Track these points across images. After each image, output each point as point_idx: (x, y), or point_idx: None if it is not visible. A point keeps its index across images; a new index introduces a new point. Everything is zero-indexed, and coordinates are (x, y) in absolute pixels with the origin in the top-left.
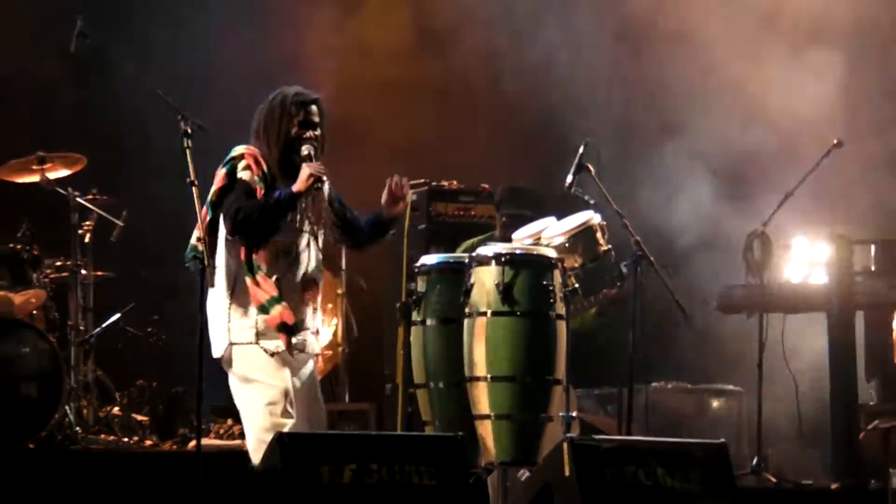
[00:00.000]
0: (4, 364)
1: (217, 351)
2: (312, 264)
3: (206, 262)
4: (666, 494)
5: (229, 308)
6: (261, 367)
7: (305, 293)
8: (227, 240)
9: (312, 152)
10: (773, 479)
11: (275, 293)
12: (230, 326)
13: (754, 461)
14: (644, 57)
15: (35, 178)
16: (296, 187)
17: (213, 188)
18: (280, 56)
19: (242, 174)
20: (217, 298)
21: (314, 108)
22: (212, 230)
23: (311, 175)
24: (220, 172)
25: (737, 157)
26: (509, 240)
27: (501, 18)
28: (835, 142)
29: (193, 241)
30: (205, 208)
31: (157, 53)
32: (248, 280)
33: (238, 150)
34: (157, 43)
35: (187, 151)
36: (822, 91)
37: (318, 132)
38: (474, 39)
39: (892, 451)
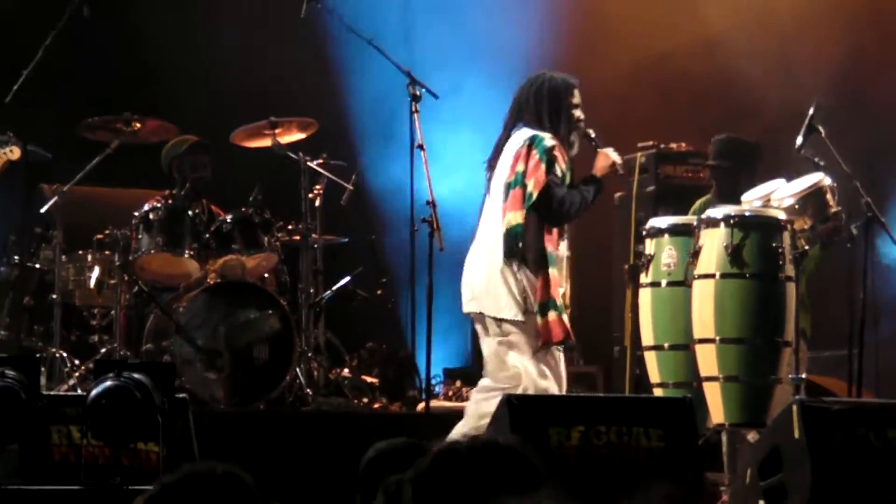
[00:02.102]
0: (237, 327)
1: (501, 312)
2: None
3: (434, 226)
4: None
5: (525, 282)
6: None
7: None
8: (534, 221)
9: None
10: None
11: (559, 299)
12: (525, 298)
13: None
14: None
15: (267, 143)
16: (599, 174)
17: (533, 178)
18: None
19: (559, 166)
20: (511, 266)
21: (577, 91)
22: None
23: (613, 163)
24: (534, 161)
25: None
26: (729, 194)
27: None
28: None
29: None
30: (517, 189)
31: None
32: (550, 270)
33: (546, 139)
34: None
35: (415, 115)
36: None
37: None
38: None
39: None
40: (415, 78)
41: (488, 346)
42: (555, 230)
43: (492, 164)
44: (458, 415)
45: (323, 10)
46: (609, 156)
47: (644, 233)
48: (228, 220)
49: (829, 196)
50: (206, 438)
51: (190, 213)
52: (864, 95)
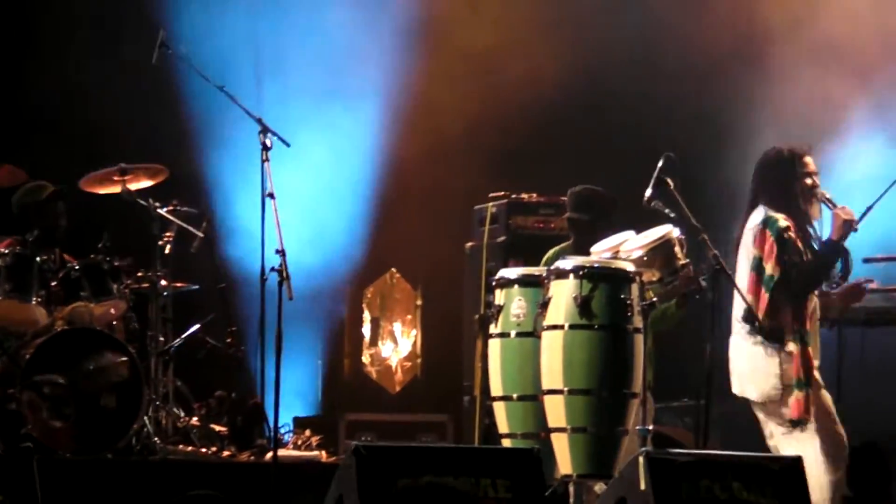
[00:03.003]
0: (85, 374)
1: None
2: None
3: (283, 275)
4: None
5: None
6: None
7: None
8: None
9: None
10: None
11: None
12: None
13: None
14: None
15: (116, 189)
16: (836, 237)
17: (770, 262)
18: None
19: (795, 246)
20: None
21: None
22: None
23: (849, 221)
24: (769, 244)
25: None
26: (585, 245)
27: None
28: None
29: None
30: (751, 272)
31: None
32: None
33: (779, 220)
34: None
35: (266, 164)
36: None
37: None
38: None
39: None
40: (266, 126)
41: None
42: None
43: (737, 244)
44: (307, 464)
45: (174, 56)
46: (842, 216)
47: (494, 283)
48: (76, 268)
49: (677, 248)
50: (50, 487)
51: (38, 259)
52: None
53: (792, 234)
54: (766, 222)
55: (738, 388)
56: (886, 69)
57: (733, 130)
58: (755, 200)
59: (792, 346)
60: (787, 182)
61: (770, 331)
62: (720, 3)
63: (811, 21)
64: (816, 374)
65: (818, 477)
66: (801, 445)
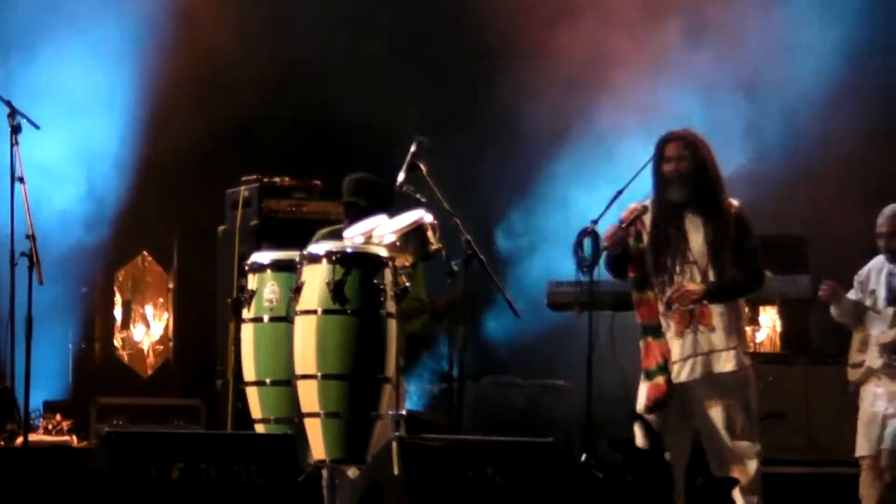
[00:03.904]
0: None
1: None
2: None
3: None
4: (495, 492)
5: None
6: None
7: None
8: None
9: None
10: (600, 475)
11: None
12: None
13: (583, 457)
14: None
15: None
16: None
17: None
18: None
19: None
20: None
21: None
22: None
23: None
24: None
25: None
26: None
27: None
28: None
29: None
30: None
31: None
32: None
33: None
34: None
35: (15, 148)
36: None
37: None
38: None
39: None
40: (15, 108)
41: None
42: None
43: None
44: (58, 448)
45: None
46: None
47: (247, 268)
48: None
49: (430, 233)
50: None
51: None
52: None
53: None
54: None
55: None
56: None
57: None
58: None
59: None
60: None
61: None
62: None
63: None
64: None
65: None
66: None
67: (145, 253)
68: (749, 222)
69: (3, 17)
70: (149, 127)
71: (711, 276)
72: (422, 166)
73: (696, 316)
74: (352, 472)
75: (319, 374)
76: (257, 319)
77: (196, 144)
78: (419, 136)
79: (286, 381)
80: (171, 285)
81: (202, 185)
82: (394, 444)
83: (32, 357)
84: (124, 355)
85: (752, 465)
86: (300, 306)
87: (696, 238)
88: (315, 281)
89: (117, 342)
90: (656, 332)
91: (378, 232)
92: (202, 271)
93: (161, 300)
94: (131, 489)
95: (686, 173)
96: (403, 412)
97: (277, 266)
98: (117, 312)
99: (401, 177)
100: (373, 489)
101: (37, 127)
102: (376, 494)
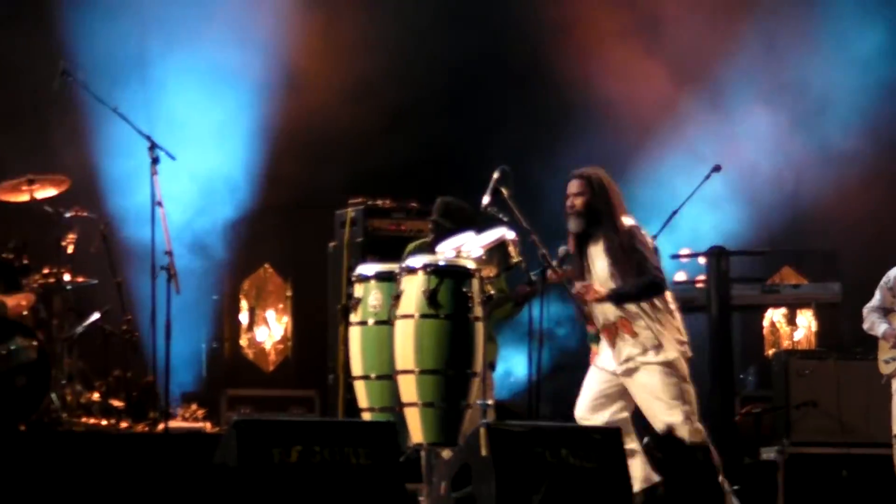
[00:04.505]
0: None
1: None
2: None
3: (171, 273)
4: (569, 470)
5: None
6: None
7: None
8: None
9: None
10: (659, 455)
11: None
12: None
13: (645, 440)
14: None
15: (25, 198)
16: None
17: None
18: None
19: None
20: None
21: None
22: None
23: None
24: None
25: None
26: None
27: None
28: (715, 166)
29: None
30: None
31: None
32: None
33: None
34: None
35: (155, 177)
36: None
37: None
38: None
39: (763, 431)
40: (154, 142)
41: None
42: None
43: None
44: (194, 433)
45: (74, 82)
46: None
47: (354, 278)
48: None
49: (511, 248)
50: None
51: None
52: None
53: None
54: None
55: None
56: None
57: None
58: None
59: None
60: None
61: None
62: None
63: None
64: None
65: None
66: None
67: (267, 265)
68: (636, 238)
69: (145, 58)
70: (269, 157)
71: None
72: (504, 190)
73: (619, 328)
74: (446, 454)
75: (417, 369)
76: (363, 323)
77: (309, 171)
78: (502, 165)
79: (388, 376)
80: (289, 293)
81: (315, 208)
82: (482, 430)
83: (171, 355)
84: (250, 353)
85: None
86: (400, 311)
87: (598, 264)
88: (413, 289)
89: (243, 342)
90: (596, 339)
91: (466, 247)
92: (315, 281)
93: (281, 306)
94: (256, 469)
95: (583, 208)
96: (490, 402)
97: (380, 277)
98: (243, 317)
99: (486, 199)
100: (464, 468)
101: (173, 158)
102: (467, 473)
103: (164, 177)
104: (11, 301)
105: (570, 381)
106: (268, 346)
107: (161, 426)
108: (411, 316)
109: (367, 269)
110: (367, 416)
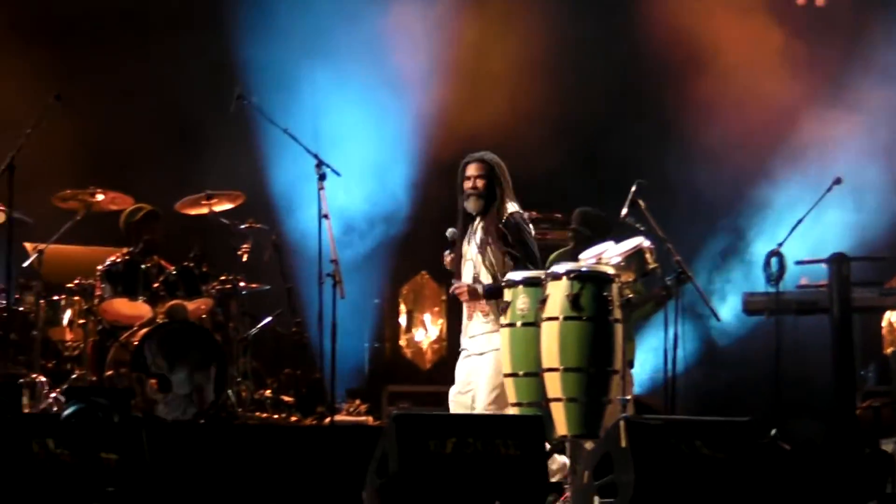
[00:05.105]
0: (182, 358)
1: None
2: None
3: (337, 279)
4: (703, 460)
5: None
6: None
7: None
8: None
9: None
10: (787, 447)
11: None
12: None
13: (772, 432)
14: None
15: (204, 211)
16: None
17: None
18: None
19: None
20: None
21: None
22: None
23: None
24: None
25: None
26: (581, 253)
27: None
28: (836, 178)
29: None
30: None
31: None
32: None
33: None
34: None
35: (321, 192)
36: None
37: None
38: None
39: (883, 423)
40: (321, 160)
41: None
42: None
43: None
44: (357, 427)
45: (248, 106)
46: None
47: (504, 284)
48: (174, 272)
49: (648, 255)
50: (156, 446)
51: (143, 266)
52: None
53: None
54: None
55: None
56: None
57: None
58: None
59: None
60: None
61: None
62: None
63: None
64: None
65: None
66: None
67: (424, 273)
68: (518, 224)
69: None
70: (426, 176)
71: (482, 272)
72: (641, 202)
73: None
74: (588, 445)
75: (561, 367)
76: (512, 325)
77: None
78: (640, 179)
79: (535, 373)
80: (443, 297)
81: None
82: (622, 423)
83: (337, 354)
84: (408, 352)
85: None
86: (545, 314)
87: (476, 241)
88: (557, 294)
89: (402, 342)
90: None
91: (606, 255)
92: None
93: (437, 309)
94: (415, 459)
95: (484, 190)
96: (629, 397)
97: (527, 282)
98: (402, 319)
99: (624, 210)
100: (605, 458)
101: (338, 174)
102: (608, 463)
103: (331, 190)
104: (192, 305)
105: (704, 378)
106: (425, 345)
107: (327, 420)
108: (556, 318)
109: (516, 275)
110: (515, 411)
